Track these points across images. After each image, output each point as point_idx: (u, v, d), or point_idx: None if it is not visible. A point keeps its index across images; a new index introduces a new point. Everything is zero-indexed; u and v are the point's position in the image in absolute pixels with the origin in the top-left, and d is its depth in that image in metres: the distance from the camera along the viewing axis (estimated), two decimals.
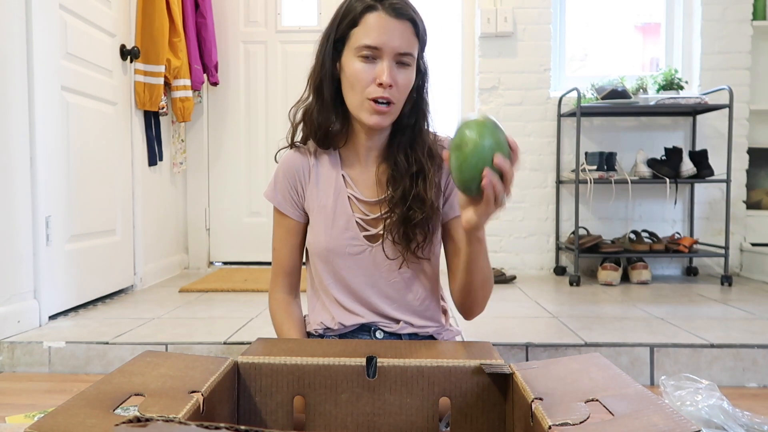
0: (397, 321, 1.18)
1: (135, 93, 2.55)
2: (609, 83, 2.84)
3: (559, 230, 3.06)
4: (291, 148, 1.21)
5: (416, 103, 1.14)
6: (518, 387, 0.80)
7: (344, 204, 1.16)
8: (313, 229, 1.18)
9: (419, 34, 1.08)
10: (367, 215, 1.16)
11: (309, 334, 1.25)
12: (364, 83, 1.05)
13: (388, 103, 1.06)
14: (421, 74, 1.13)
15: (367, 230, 1.16)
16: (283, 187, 1.19)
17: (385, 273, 1.16)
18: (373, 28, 1.04)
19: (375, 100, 1.05)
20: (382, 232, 1.15)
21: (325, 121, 1.13)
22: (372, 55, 1.04)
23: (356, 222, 1.15)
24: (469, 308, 1.14)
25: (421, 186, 1.12)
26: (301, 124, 1.18)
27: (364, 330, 1.18)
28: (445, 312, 1.27)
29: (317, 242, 1.16)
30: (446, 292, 1.29)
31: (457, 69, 3.17)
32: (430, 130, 1.17)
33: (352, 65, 1.06)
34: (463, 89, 3.16)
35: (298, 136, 1.21)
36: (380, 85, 1.04)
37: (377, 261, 1.16)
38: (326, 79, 1.11)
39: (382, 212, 1.15)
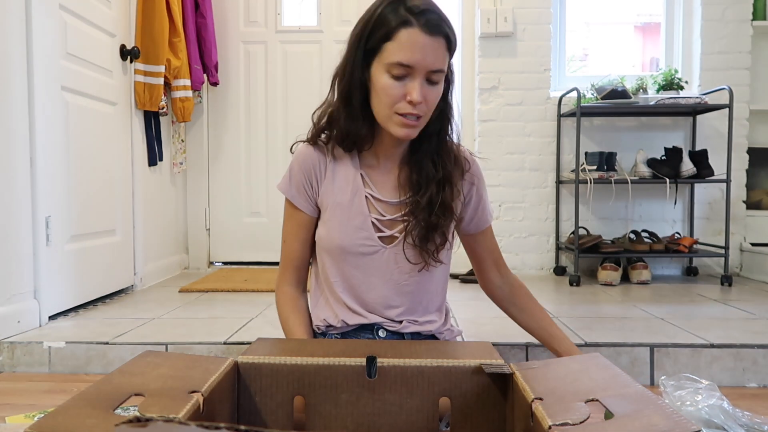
0: (400, 321, 1.18)
1: (135, 93, 2.55)
2: (609, 83, 2.84)
3: (559, 230, 3.06)
4: (309, 142, 1.20)
5: (442, 109, 1.14)
6: (518, 387, 0.80)
7: (361, 203, 1.15)
8: (326, 225, 1.17)
9: (451, 48, 1.08)
10: (383, 216, 1.16)
11: None
12: (393, 99, 1.05)
13: (417, 117, 1.06)
14: (447, 81, 1.13)
15: (382, 231, 1.15)
16: (298, 181, 1.18)
17: (396, 275, 1.16)
18: (407, 46, 1.02)
19: (403, 115, 1.05)
20: (397, 235, 1.15)
21: (353, 129, 1.12)
22: (404, 73, 1.04)
23: (372, 222, 1.15)
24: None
25: (447, 193, 1.13)
26: (327, 127, 1.17)
27: (367, 329, 1.18)
28: (446, 312, 1.27)
29: (330, 239, 1.16)
30: (447, 293, 1.29)
31: (457, 69, 3.16)
32: (454, 137, 1.18)
33: (382, 79, 1.05)
34: (462, 89, 3.16)
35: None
36: (410, 102, 1.04)
37: (389, 263, 1.16)
38: (355, 88, 1.10)
39: (401, 214, 1.15)
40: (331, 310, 1.19)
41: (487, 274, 1.31)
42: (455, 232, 1.24)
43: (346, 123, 1.12)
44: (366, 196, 1.16)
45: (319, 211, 1.20)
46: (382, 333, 1.18)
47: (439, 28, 1.03)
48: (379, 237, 1.15)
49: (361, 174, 1.17)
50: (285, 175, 1.21)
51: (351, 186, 1.16)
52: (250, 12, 3.24)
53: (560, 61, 3.16)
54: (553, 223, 3.07)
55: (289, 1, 3.26)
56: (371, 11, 1.07)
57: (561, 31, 3.16)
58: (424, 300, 1.20)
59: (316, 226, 1.21)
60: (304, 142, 1.20)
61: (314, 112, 1.18)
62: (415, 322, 1.18)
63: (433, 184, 1.13)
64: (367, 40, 1.06)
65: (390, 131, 1.09)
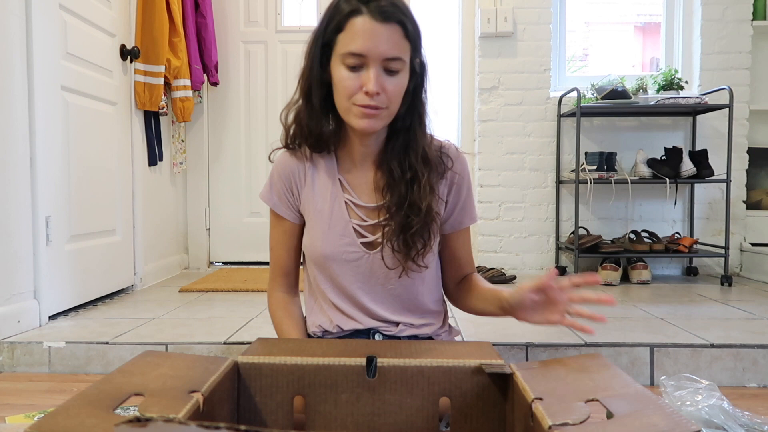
0: (396, 324, 1.17)
1: (135, 93, 2.55)
2: (609, 83, 2.84)
3: (559, 230, 3.06)
4: (286, 149, 1.18)
5: (411, 104, 1.09)
6: (518, 387, 0.80)
7: (341, 209, 1.13)
8: (309, 234, 1.16)
9: (409, 35, 1.02)
10: (365, 221, 1.13)
11: (307, 334, 1.25)
12: (350, 90, 1.02)
13: (377, 108, 1.02)
14: (417, 75, 1.08)
15: (364, 237, 1.13)
16: (279, 189, 1.17)
17: (382, 280, 1.14)
18: (358, 34, 0.99)
19: (362, 107, 1.02)
20: (380, 240, 1.12)
21: (316, 126, 1.10)
22: (358, 62, 1.00)
23: (353, 228, 1.13)
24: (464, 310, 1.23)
25: (416, 192, 1.09)
26: (293, 127, 1.14)
27: (363, 333, 1.17)
28: (445, 313, 1.27)
29: (313, 248, 1.15)
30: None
31: (457, 69, 3.17)
32: (428, 131, 1.13)
33: (338, 72, 1.03)
34: (462, 89, 3.16)
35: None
36: (366, 93, 1.00)
37: (374, 268, 1.13)
38: (315, 84, 1.07)
39: (380, 219, 1.12)
40: (325, 315, 1.18)
41: (445, 278, 1.24)
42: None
43: (309, 121, 1.10)
44: (346, 202, 1.13)
45: (303, 218, 1.18)
46: (378, 337, 1.17)
47: (390, 14, 0.99)
48: (362, 243, 1.12)
49: (339, 179, 1.14)
50: (266, 183, 1.19)
51: (330, 192, 1.14)
52: (250, 12, 3.24)
53: (560, 61, 3.16)
54: (553, 223, 3.07)
55: (289, 1, 3.26)
56: (328, 7, 1.05)
57: (561, 31, 3.16)
58: (417, 302, 1.18)
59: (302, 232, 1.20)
60: (281, 148, 1.18)
61: (281, 113, 1.15)
62: (411, 326, 1.17)
63: (402, 185, 1.09)
64: (323, 34, 1.04)
65: (351, 125, 1.06)
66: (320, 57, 1.05)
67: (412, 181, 1.09)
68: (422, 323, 1.18)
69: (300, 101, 1.12)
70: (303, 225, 1.19)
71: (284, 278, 1.22)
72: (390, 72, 1.01)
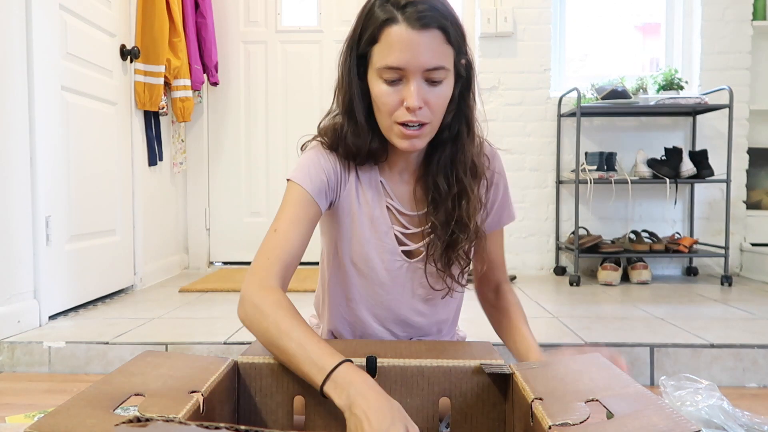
0: (410, 338, 1.15)
1: (135, 93, 2.55)
2: (609, 83, 2.84)
3: (559, 230, 3.06)
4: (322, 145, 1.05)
5: (458, 111, 1.01)
6: (518, 387, 0.80)
7: (384, 214, 1.05)
8: (347, 235, 1.06)
9: (452, 40, 0.92)
10: (407, 228, 1.06)
11: None
12: (390, 107, 0.93)
13: (420, 125, 0.94)
14: (462, 79, 0.99)
15: (405, 245, 1.06)
16: (317, 175, 1.01)
17: (419, 291, 1.09)
18: (395, 45, 0.90)
19: (404, 124, 0.94)
20: (422, 249, 1.06)
21: (363, 144, 1.00)
22: (396, 76, 0.92)
23: (395, 234, 1.06)
24: None
25: (464, 208, 1.01)
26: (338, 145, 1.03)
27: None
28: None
29: (353, 251, 1.06)
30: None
31: None
32: (477, 135, 1.05)
33: (376, 87, 0.94)
34: None
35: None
36: (408, 108, 0.92)
37: (411, 279, 1.07)
38: (356, 99, 0.98)
39: (423, 229, 1.06)
40: (344, 321, 1.12)
41: (479, 281, 1.19)
42: None
43: (354, 139, 1.00)
44: (388, 207, 1.05)
45: (330, 211, 1.07)
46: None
47: (428, 19, 0.89)
48: (403, 251, 1.06)
49: (381, 181, 1.06)
50: (300, 165, 1.02)
51: (374, 193, 1.05)
52: (250, 12, 3.24)
53: (560, 61, 3.16)
54: (553, 223, 3.07)
55: (289, 1, 3.26)
56: (361, 12, 0.96)
57: (561, 31, 3.16)
58: (438, 320, 1.15)
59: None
60: (316, 140, 1.07)
61: (320, 123, 1.06)
62: (428, 335, 1.15)
63: (449, 201, 1.01)
64: (358, 45, 0.96)
65: (393, 144, 0.98)
66: (357, 69, 0.97)
67: (459, 196, 1.02)
68: (438, 330, 1.17)
69: (340, 116, 1.03)
70: (320, 218, 1.05)
71: (283, 269, 0.96)
72: (432, 83, 0.93)
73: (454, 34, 0.92)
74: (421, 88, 0.92)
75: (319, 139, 1.05)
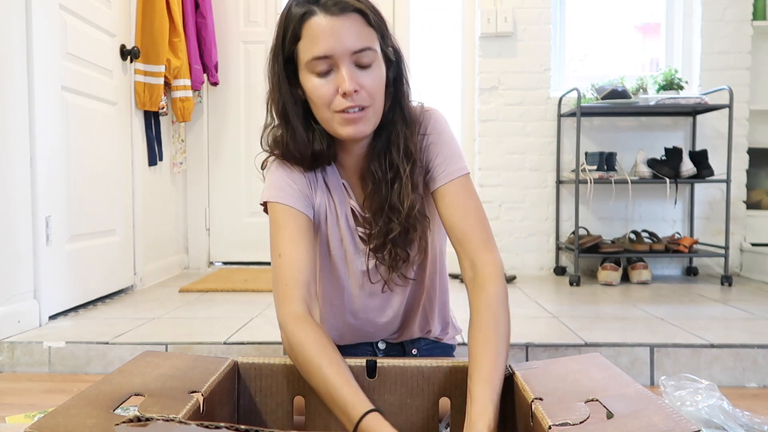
0: (398, 329, 1.15)
1: (135, 93, 2.55)
2: (609, 83, 2.84)
3: (559, 230, 3.06)
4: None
5: (393, 97, 0.99)
6: (518, 387, 0.80)
7: (349, 216, 1.05)
8: (324, 241, 1.06)
9: (372, 22, 0.93)
10: (366, 228, 1.04)
11: None
12: (326, 98, 0.92)
13: (361, 108, 0.92)
14: (393, 63, 0.98)
15: (366, 243, 1.05)
16: (288, 183, 1.00)
17: (378, 292, 1.08)
18: (317, 35, 0.89)
19: (344, 111, 0.92)
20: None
21: (304, 148, 0.98)
22: (326, 66, 0.91)
23: (359, 237, 1.05)
24: None
25: (395, 192, 0.98)
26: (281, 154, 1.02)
27: (366, 345, 1.17)
28: (449, 316, 1.23)
29: (331, 255, 1.06)
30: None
31: (457, 69, 3.17)
32: (412, 120, 1.01)
33: (309, 83, 0.93)
34: (463, 89, 3.16)
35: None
36: (344, 95, 0.90)
37: (371, 279, 1.07)
38: (290, 104, 0.97)
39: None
40: (333, 327, 1.13)
41: (461, 263, 1.00)
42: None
43: (294, 145, 0.98)
44: (351, 209, 1.05)
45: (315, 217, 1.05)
46: (381, 345, 1.17)
47: (344, 4, 0.89)
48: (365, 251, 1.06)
49: (343, 184, 1.05)
50: (270, 184, 1.01)
51: (339, 197, 1.04)
52: (250, 12, 3.24)
53: (560, 61, 3.16)
54: (553, 223, 3.07)
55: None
56: (280, 16, 0.94)
57: (561, 31, 3.16)
58: (416, 307, 1.13)
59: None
60: (274, 156, 1.04)
61: (261, 140, 1.03)
62: (414, 329, 1.15)
63: (383, 187, 0.99)
64: (282, 48, 0.95)
65: (338, 134, 0.95)
66: (285, 74, 0.96)
67: (392, 181, 0.99)
68: (427, 329, 1.17)
69: (276, 125, 1.01)
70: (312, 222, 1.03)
71: (303, 289, 0.93)
72: (363, 67, 0.92)
73: (373, 17, 0.93)
74: (353, 72, 0.91)
75: (276, 152, 1.03)
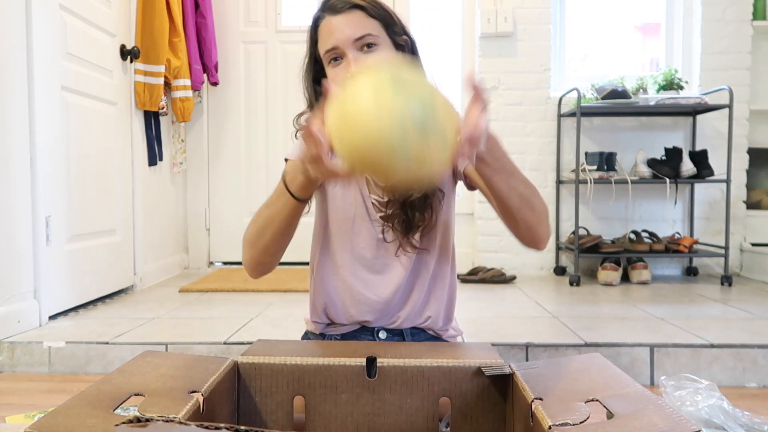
0: (399, 311, 1.16)
1: (135, 93, 2.55)
2: (609, 83, 2.84)
3: (559, 230, 3.06)
4: None
5: None
6: (518, 387, 0.80)
7: (363, 182, 1.14)
8: (335, 200, 1.15)
9: (372, 14, 1.05)
10: (382, 198, 1.13)
11: (307, 334, 1.24)
12: (339, 82, 1.03)
13: None
14: (408, 48, 1.10)
15: (381, 211, 1.13)
16: None
17: (390, 256, 1.13)
18: (325, 33, 1.06)
19: None
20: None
21: None
22: (337, 56, 1.05)
23: (372, 203, 1.13)
24: (529, 238, 1.03)
25: None
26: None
27: (367, 331, 1.17)
28: (450, 310, 1.24)
29: (338, 215, 1.13)
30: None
31: (457, 69, 3.17)
32: None
33: (329, 74, 1.07)
34: (463, 89, 3.16)
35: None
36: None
37: (386, 245, 1.13)
38: (312, 99, 1.13)
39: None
40: (338, 294, 1.16)
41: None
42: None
43: None
44: (366, 178, 1.13)
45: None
46: (382, 335, 1.17)
47: (342, 3, 1.04)
48: (380, 217, 1.13)
49: None
50: (296, 145, 1.12)
51: None
52: (250, 12, 3.24)
53: (560, 61, 3.16)
54: (554, 223, 3.07)
55: (289, 1, 3.26)
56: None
57: (561, 31, 3.16)
58: (422, 286, 1.16)
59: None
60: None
61: (296, 118, 1.16)
62: (414, 314, 1.16)
63: None
64: (308, 55, 1.12)
65: None
66: (311, 73, 1.12)
67: None
68: (426, 315, 1.17)
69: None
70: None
71: None
72: (367, 48, 1.04)
73: (373, 10, 1.06)
74: (357, 56, 1.04)
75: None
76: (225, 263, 3.31)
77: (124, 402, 0.67)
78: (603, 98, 2.75)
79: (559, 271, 3.03)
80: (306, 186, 0.93)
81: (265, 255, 1.07)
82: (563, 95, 2.97)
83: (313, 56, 1.11)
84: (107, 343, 1.68)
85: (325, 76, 1.10)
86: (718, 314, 2.05)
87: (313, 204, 1.18)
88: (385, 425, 0.88)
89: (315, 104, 1.11)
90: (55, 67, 1.99)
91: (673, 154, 2.78)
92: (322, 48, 1.06)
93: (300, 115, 1.17)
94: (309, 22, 1.12)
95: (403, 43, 1.09)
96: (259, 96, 3.27)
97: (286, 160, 1.11)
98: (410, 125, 0.64)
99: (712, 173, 2.76)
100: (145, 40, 2.52)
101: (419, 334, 1.18)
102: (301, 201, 0.96)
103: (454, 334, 1.25)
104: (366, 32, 1.04)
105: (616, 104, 2.74)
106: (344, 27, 1.04)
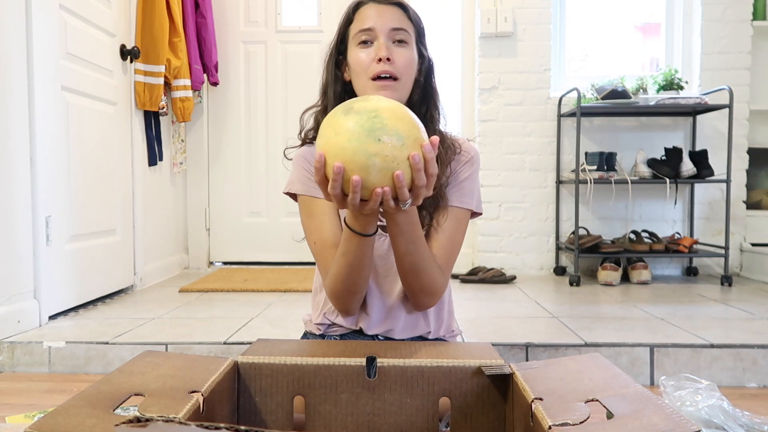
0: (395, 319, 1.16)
1: (135, 93, 2.55)
2: (609, 83, 2.84)
3: (559, 230, 3.06)
4: (304, 145, 1.18)
5: (425, 90, 1.15)
6: (518, 387, 0.80)
7: None
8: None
9: (411, 18, 1.12)
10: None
11: (306, 334, 1.24)
12: (365, 65, 1.08)
13: (392, 78, 1.07)
14: (426, 60, 1.15)
15: (381, 221, 1.11)
16: (305, 173, 1.12)
17: (390, 264, 1.12)
18: (365, 15, 1.10)
19: (378, 77, 1.06)
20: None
21: None
22: (368, 38, 1.08)
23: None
24: (410, 297, 1.11)
25: None
26: (312, 129, 1.18)
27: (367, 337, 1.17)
28: (446, 319, 1.24)
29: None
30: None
31: (457, 69, 3.17)
32: (442, 128, 1.16)
33: (353, 55, 1.10)
34: (463, 89, 3.16)
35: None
36: (380, 60, 1.06)
37: (386, 253, 1.13)
38: (331, 81, 1.14)
39: None
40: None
41: None
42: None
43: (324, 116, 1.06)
44: None
45: None
46: (381, 337, 1.17)
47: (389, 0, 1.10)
48: (380, 226, 1.11)
49: None
50: (290, 179, 1.15)
51: None
52: (250, 12, 3.24)
53: (560, 61, 3.16)
54: (553, 223, 3.07)
55: (289, 1, 3.26)
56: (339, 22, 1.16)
57: (561, 31, 3.16)
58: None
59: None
60: (299, 146, 1.19)
61: (302, 115, 1.18)
62: (411, 321, 1.16)
63: None
64: (338, 36, 1.15)
65: None
66: (336, 58, 1.15)
67: None
68: (422, 321, 1.17)
69: (319, 101, 1.18)
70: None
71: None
72: (398, 43, 1.09)
73: (413, 14, 1.13)
74: (389, 45, 1.08)
75: (297, 146, 1.19)
76: (225, 263, 3.31)
77: (124, 402, 0.67)
78: (603, 98, 2.75)
79: (559, 271, 3.03)
80: (363, 220, 0.94)
81: (362, 293, 1.10)
82: (563, 95, 2.97)
83: (341, 35, 1.14)
84: (107, 343, 1.68)
85: (344, 59, 1.14)
86: (718, 314, 2.05)
87: None
88: (385, 425, 0.88)
89: (329, 88, 1.15)
90: (55, 67, 1.99)
91: (673, 154, 2.78)
92: (357, 27, 1.10)
93: (307, 109, 1.19)
94: (349, 3, 1.16)
95: (424, 57, 1.14)
96: (259, 96, 3.27)
97: (287, 193, 1.16)
98: (362, 133, 0.80)
99: (712, 173, 2.76)
100: (145, 40, 2.52)
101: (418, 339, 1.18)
102: (371, 235, 0.97)
103: (454, 334, 1.25)
104: (403, 26, 1.10)
105: (616, 104, 2.74)
106: (386, 14, 1.09)
